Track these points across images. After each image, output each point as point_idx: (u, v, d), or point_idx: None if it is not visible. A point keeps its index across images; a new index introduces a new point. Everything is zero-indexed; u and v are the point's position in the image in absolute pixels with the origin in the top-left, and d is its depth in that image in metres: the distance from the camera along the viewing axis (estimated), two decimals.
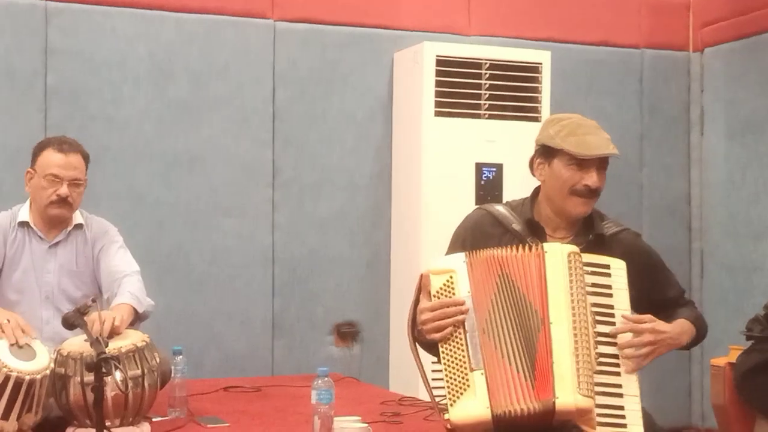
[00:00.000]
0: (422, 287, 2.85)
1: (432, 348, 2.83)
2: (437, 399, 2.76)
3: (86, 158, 3.83)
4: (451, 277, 2.79)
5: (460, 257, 2.84)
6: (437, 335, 2.76)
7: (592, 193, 2.99)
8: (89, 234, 3.87)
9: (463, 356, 2.71)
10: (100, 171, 4.81)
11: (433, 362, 2.81)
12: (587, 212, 3.02)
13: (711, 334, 3.12)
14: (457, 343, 2.73)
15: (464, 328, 2.74)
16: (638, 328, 2.82)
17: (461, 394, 2.68)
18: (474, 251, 2.86)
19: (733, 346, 4.46)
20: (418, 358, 2.89)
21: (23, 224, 3.82)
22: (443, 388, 2.73)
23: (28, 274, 3.79)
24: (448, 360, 2.72)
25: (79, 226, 3.86)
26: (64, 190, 3.72)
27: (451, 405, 2.67)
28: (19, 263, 3.79)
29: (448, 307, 2.76)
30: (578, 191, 2.98)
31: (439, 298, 2.77)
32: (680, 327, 2.97)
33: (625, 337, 2.81)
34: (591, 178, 2.97)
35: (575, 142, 2.96)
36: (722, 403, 4.40)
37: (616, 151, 2.98)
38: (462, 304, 2.75)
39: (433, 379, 2.78)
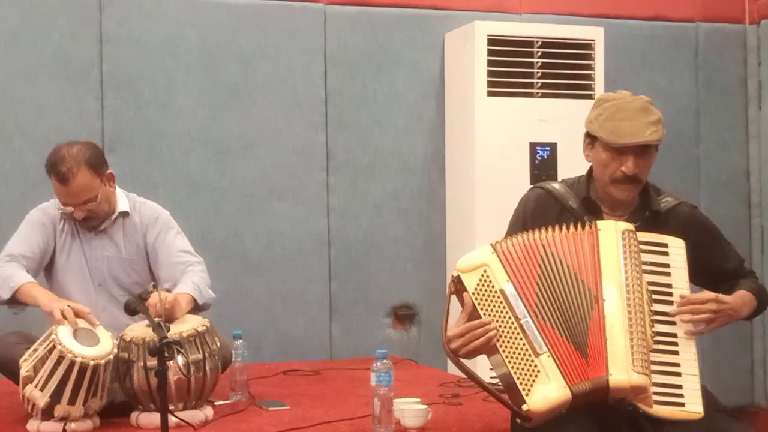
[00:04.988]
0: (456, 292, 2.76)
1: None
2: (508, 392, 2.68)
3: (95, 165, 3.63)
4: (485, 271, 2.73)
5: (487, 249, 2.78)
6: (483, 350, 2.68)
7: (630, 179, 2.91)
8: (138, 220, 3.82)
9: (524, 344, 2.66)
10: (156, 158, 4.87)
11: (491, 369, 2.76)
12: (631, 198, 2.96)
13: None
14: (512, 334, 2.67)
15: (515, 316, 2.68)
16: (701, 299, 2.79)
17: (533, 381, 2.62)
18: (504, 239, 2.82)
19: None
20: (464, 366, 2.73)
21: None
22: (499, 383, 2.70)
23: (79, 261, 3.78)
24: (509, 353, 2.65)
25: (124, 214, 3.81)
26: (78, 214, 3.69)
27: (527, 395, 2.60)
28: (70, 251, 3.79)
29: (476, 329, 2.68)
30: (617, 178, 2.92)
31: (478, 294, 2.71)
32: (741, 299, 2.94)
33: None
34: (627, 166, 2.89)
35: (610, 129, 2.89)
36: None
37: (655, 136, 2.87)
38: (489, 324, 2.67)
39: (491, 378, 2.74)
